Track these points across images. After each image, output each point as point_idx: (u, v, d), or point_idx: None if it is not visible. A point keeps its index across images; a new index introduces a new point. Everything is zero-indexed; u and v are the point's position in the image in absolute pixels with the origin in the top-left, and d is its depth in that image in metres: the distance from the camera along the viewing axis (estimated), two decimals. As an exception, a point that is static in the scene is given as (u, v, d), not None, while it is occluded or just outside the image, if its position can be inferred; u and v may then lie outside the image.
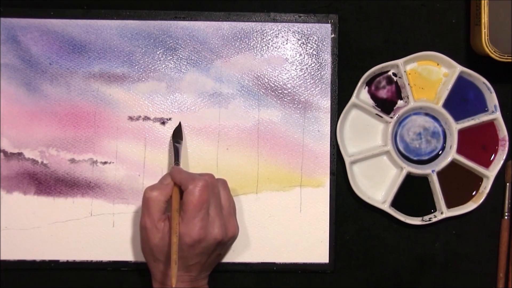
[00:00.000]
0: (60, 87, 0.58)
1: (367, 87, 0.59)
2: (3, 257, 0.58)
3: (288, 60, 0.58)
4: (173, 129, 0.58)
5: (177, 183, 0.51)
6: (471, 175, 0.59)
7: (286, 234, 0.58)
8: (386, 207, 0.58)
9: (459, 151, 0.58)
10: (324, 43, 0.58)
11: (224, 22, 0.58)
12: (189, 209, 0.49)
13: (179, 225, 0.49)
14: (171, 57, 0.58)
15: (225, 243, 0.53)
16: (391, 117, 0.58)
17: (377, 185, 0.59)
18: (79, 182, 0.58)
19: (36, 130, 0.58)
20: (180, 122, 0.58)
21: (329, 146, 0.58)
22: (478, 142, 0.59)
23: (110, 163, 0.58)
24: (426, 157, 0.59)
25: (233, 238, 0.53)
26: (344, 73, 0.59)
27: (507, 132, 0.58)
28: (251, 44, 0.58)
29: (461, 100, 0.59)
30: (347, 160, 0.57)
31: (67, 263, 0.58)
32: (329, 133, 0.58)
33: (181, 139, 0.57)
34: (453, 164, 0.58)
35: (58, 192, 0.58)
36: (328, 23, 0.58)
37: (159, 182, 0.53)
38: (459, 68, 0.57)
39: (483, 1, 0.55)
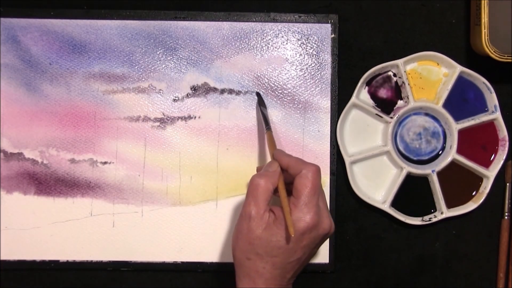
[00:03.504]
0: (60, 87, 0.58)
1: (367, 87, 0.59)
2: (3, 257, 0.58)
3: (288, 60, 0.58)
4: (175, 131, 0.58)
5: (284, 166, 0.49)
6: (471, 175, 0.59)
7: (286, 234, 0.58)
8: (386, 207, 0.58)
9: (459, 151, 0.58)
10: (324, 43, 0.58)
11: (224, 22, 0.58)
12: (304, 193, 0.46)
13: (291, 210, 0.46)
14: (171, 57, 0.58)
15: (327, 238, 0.50)
16: (391, 117, 0.58)
17: (377, 185, 0.59)
18: (79, 182, 0.58)
19: (36, 130, 0.58)
20: (258, 93, 0.58)
21: (329, 146, 0.58)
22: (478, 142, 0.59)
23: (110, 163, 0.58)
24: (426, 157, 0.59)
25: (331, 234, 0.50)
26: (344, 73, 0.59)
27: (507, 132, 0.58)
28: (251, 44, 0.58)
29: (461, 100, 0.59)
30: (347, 160, 0.57)
31: (67, 263, 0.58)
32: (329, 133, 0.58)
33: (265, 107, 0.57)
34: (453, 164, 0.58)
35: (58, 192, 0.58)
36: (328, 23, 0.58)
37: (265, 168, 0.50)
38: (459, 68, 0.57)
39: (483, 1, 0.55)
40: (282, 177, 0.49)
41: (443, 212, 0.58)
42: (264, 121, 0.55)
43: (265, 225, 0.47)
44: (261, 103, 0.57)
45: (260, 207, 0.47)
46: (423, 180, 0.59)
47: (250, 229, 0.47)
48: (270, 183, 0.47)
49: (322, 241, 0.49)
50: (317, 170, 0.47)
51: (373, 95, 0.59)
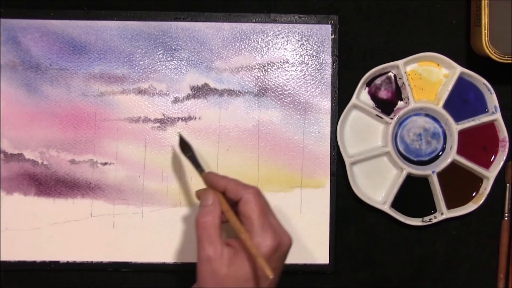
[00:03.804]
0: (60, 88, 0.58)
1: (367, 88, 0.59)
2: (3, 258, 0.58)
3: (288, 61, 0.58)
4: (175, 132, 0.58)
5: (221, 189, 0.48)
6: (471, 176, 0.59)
7: (286, 235, 0.58)
8: (386, 208, 0.58)
9: (459, 152, 0.58)
10: (324, 44, 0.58)
11: (225, 23, 0.58)
12: (254, 218, 0.45)
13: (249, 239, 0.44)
14: (171, 58, 0.58)
15: (289, 251, 0.48)
16: (391, 118, 0.58)
17: (378, 186, 0.59)
18: (79, 183, 0.58)
19: (36, 131, 0.58)
20: (179, 133, 0.55)
21: (329, 147, 0.58)
22: (478, 143, 0.59)
23: (110, 164, 0.58)
24: (426, 158, 0.59)
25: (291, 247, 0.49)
26: (344, 74, 0.59)
27: (507, 133, 0.58)
28: (251, 45, 0.58)
29: (462, 101, 0.59)
30: (347, 161, 0.57)
31: (67, 264, 0.58)
32: (330, 134, 0.58)
33: (190, 148, 0.53)
34: (453, 165, 0.58)
35: (58, 193, 0.58)
36: (328, 24, 0.58)
37: (202, 203, 0.48)
38: (459, 69, 0.57)
39: (483, 2, 0.55)
40: (226, 205, 0.47)
41: (443, 213, 0.58)
42: (195, 165, 0.52)
43: (228, 261, 0.44)
44: (184, 149, 0.53)
45: (217, 246, 0.45)
46: (423, 181, 0.59)
47: (214, 271, 0.44)
48: (217, 218, 0.46)
49: (286, 256, 0.48)
50: (257, 191, 0.47)
51: (373, 96, 0.59)
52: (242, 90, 0.58)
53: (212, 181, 0.49)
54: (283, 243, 0.46)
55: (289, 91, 0.58)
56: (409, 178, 0.58)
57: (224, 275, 0.44)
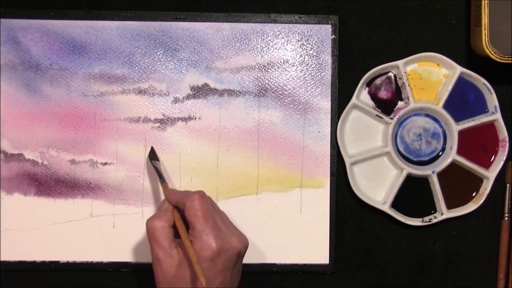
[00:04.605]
0: (61, 88, 0.58)
1: (367, 88, 0.59)
2: (3, 258, 0.58)
3: (289, 61, 0.58)
4: (175, 132, 0.58)
5: (175, 204, 0.50)
6: (471, 176, 0.59)
7: (286, 235, 0.58)
8: (386, 208, 0.58)
9: (459, 152, 0.58)
10: (324, 44, 0.58)
11: (225, 23, 0.58)
12: (196, 222, 0.47)
13: (193, 243, 0.46)
14: (171, 58, 0.58)
15: (243, 254, 0.50)
16: (391, 118, 0.58)
17: (378, 186, 0.59)
18: (79, 183, 0.58)
19: (36, 131, 0.58)
20: (152, 147, 0.58)
21: (329, 147, 0.58)
22: (478, 143, 0.59)
23: (110, 164, 0.58)
24: (426, 158, 0.59)
25: (246, 247, 0.50)
26: (344, 74, 0.59)
27: (507, 133, 0.58)
28: (251, 45, 0.58)
29: (462, 101, 0.59)
30: (347, 161, 0.57)
31: (68, 264, 0.58)
32: (330, 134, 0.58)
33: (158, 160, 0.57)
34: (453, 165, 0.58)
35: (58, 193, 0.58)
36: (328, 24, 0.58)
37: (157, 210, 0.52)
38: (459, 69, 0.57)
39: (483, 2, 0.55)
40: (177, 213, 0.49)
41: (443, 213, 0.58)
42: (158, 175, 0.55)
43: (177, 262, 0.47)
44: (152, 157, 0.57)
45: (165, 247, 0.47)
46: (423, 181, 0.59)
47: (164, 272, 0.47)
48: (165, 221, 0.48)
49: (240, 258, 0.49)
50: (200, 196, 0.48)
51: (373, 96, 0.59)
52: (242, 90, 0.58)
53: (166, 196, 0.51)
54: (229, 246, 0.47)
55: (289, 91, 0.58)
56: (409, 178, 0.58)
57: (173, 275, 0.47)
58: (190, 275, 0.47)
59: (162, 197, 0.58)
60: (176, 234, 0.49)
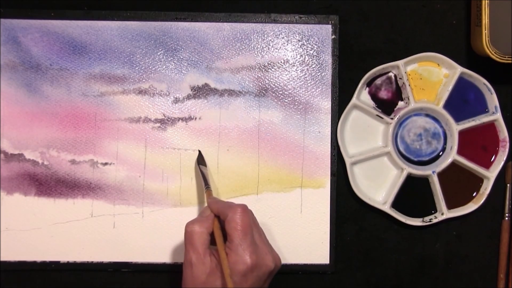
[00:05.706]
0: (61, 88, 0.58)
1: (367, 88, 0.59)
2: (4, 258, 0.58)
3: (289, 61, 0.58)
4: (175, 132, 0.58)
5: (216, 213, 0.50)
6: (471, 176, 0.59)
7: (286, 235, 0.58)
8: (386, 208, 0.58)
9: (460, 152, 0.58)
10: (324, 44, 0.58)
11: (225, 23, 0.58)
12: (235, 236, 0.47)
13: (228, 255, 0.46)
14: (171, 58, 0.58)
15: (274, 274, 0.49)
16: (392, 118, 0.58)
17: (378, 186, 0.59)
18: (80, 183, 0.58)
19: (37, 131, 0.58)
20: (199, 151, 0.58)
21: (329, 147, 0.58)
22: (478, 143, 0.59)
23: (110, 164, 0.58)
24: (426, 158, 0.59)
25: (279, 267, 0.50)
26: (344, 74, 0.59)
27: (508, 133, 0.58)
28: (252, 45, 0.58)
29: (462, 101, 0.59)
30: (347, 161, 0.57)
31: (68, 264, 0.58)
32: (330, 134, 0.58)
33: (205, 165, 0.57)
34: (454, 165, 0.58)
35: (59, 193, 0.58)
36: (328, 24, 0.58)
37: (199, 215, 0.51)
38: (459, 69, 0.57)
39: (483, 2, 0.55)
40: (217, 222, 0.49)
41: (444, 213, 0.58)
42: (204, 180, 0.55)
43: (209, 270, 0.47)
44: (200, 162, 0.57)
45: (199, 252, 0.47)
46: (424, 181, 0.59)
47: (194, 276, 0.47)
48: (204, 228, 0.48)
49: (270, 277, 0.49)
50: (243, 210, 0.48)
51: (374, 96, 0.59)
52: (243, 90, 0.58)
53: (208, 203, 0.51)
54: (263, 263, 0.47)
55: (290, 91, 0.58)
56: (410, 178, 0.58)
57: (203, 282, 0.47)
58: (219, 285, 0.47)
59: (162, 197, 0.58)
60: (211, 242, 0.49)
